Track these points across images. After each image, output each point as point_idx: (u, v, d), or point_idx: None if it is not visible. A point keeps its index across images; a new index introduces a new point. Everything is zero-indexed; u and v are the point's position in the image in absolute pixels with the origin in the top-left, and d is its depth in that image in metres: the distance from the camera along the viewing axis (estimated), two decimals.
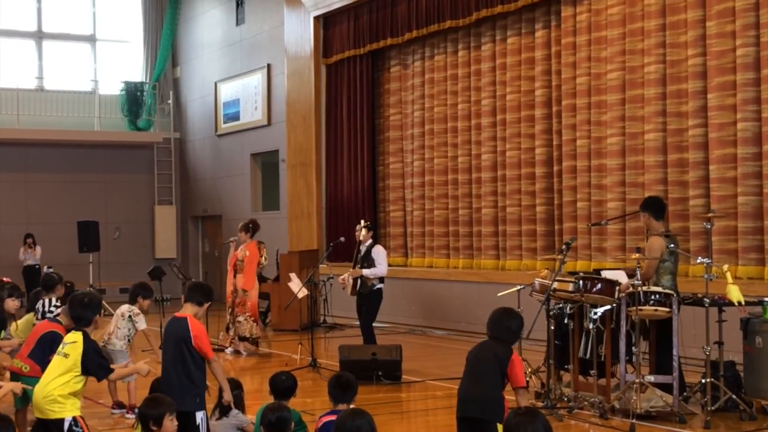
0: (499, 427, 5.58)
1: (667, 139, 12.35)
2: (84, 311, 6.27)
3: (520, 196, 14.68)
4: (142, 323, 9.11)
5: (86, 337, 6.16)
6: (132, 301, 9.18)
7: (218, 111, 22.68)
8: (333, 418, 5.80)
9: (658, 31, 12.41)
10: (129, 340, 9.18)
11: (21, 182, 22.54)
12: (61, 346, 6.21)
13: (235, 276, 13.25)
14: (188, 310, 6.37)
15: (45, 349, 7.26)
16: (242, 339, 13.20)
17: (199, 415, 6.24)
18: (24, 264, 20.31)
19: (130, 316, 9.10)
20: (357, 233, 12.00)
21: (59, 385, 6.02)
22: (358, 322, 12.23)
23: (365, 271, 11.60)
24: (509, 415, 4.14)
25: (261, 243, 13.89)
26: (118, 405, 9.15)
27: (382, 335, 13.33)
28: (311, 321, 13.50)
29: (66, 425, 5.99)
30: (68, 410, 6.02)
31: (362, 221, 12.29)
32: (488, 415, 5.71)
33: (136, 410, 8.68)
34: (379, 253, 11.77)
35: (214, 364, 6.39)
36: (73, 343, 6.11)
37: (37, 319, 9.35)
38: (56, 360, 6.17)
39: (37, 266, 20.05)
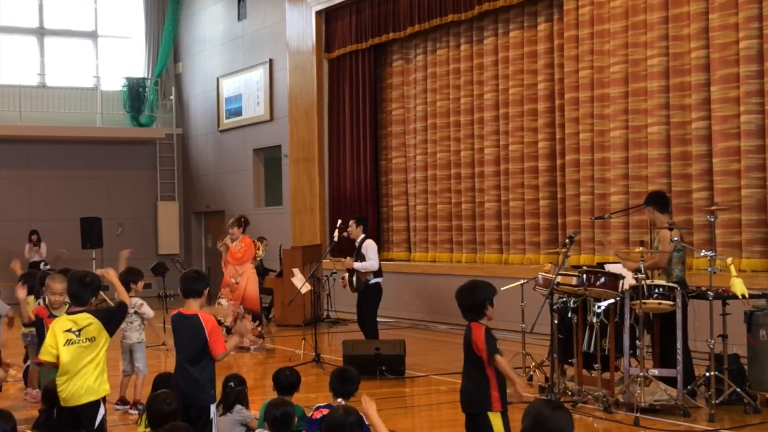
0: (491, 416, 5.54)
1: (670, 132, 12.32)
2: (83, 290, 6.11)
3: (523, 189, 14.67)
4: (148, 312, 9.10)
5: (94, 312, 6.08)
6: (127, 290, 9.11)
7: (220, 106, 22.67)
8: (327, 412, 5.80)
9: (661, 23, 12.38)
10: (142, 327, 9.18)
11: (23, 179, 22.55)
12: (75, 336, 5.99)
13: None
14: (194, 306, 6.33)
15: None
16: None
17: (212, 408, 6.24)
18: (29, 261, 20.33)
19: (135, 311, 9.09)
20: (349, 230, 11.91)
21: (91, 372, 6.00)
22: None
23: (356, 265, 11.55)
24: (539, 406, 4.03)
25: (263, 239, 13.95)
26: (123, 401, 9.14)
27: (385, 330, 13.32)
28: (314, 316, 13.50)
29: (99, 414, 5.98)
30: (101, 391, 6.05)
31: (340, 221, 12.29)
32: (475, 408, 5.66)
33: (139, 406, 8.71)
34: (368, 247, 11.66)
35: (219, 359, 6.36)
36: (88, 325, 5.99)
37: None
38: (78, 350, 6.00)
39: (42, 263, 20.07)
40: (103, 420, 6.07)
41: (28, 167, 22.59)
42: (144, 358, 9.17)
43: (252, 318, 13.28)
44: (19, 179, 22.48)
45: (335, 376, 6.37)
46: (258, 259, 13.71)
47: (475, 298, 5.69)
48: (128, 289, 9.07)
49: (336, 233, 12.09)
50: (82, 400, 6.01)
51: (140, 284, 9.13)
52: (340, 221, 12.40)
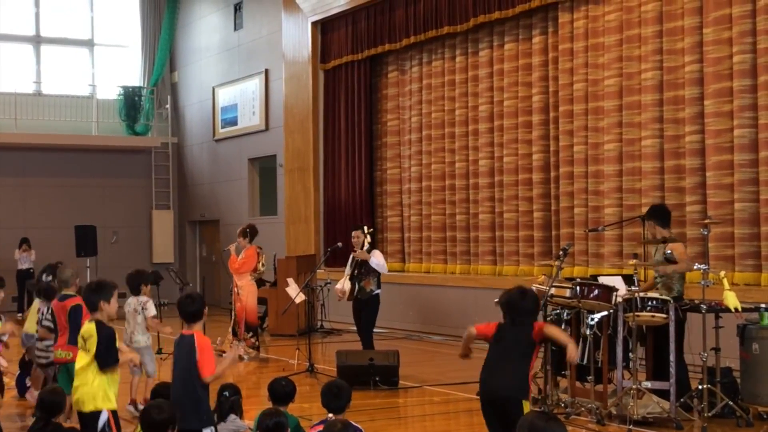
0: (526, 404, 5.65)
1: (664, 146, 12.38)
2: (91, 295, 6.30)
3: (518, 201, 14.71)
4: (151, 309, 9.13)
5: (99, 327, 6.18)
6: (136, 292, 9.13)
7: (216, 116, 22.70)
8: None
9: (655, 37, 12.45)
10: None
11: (18, 186, 22.54)
12: (81, 342, 6.25)
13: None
14: (196, 327, 6.32)
15: (79, 327, 6.98)
16: (233, 333, 13.36)
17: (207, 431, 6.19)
18: (18, 269, 20.32)
19: (142, 308, 9.10)
20: (354, 240, 11.88)
21: (91, 378, 6.10)
22: (355, 328, 12.21)
23: (373, 260, 11.52)
24: (533, 418, 4.03)
25: (260, 249, 13.98)
26: (134, 404, 9.08)
27: (379, 340, 13.33)
28: (308, 326, 13.51)
29: (101, 420, 6.04)
30: (102, 402, 6.09)
31: (365, 227, 12.13)
32: (514, 393, 5.67)
33: (134, 406, 8.74)
34: (376, 253, 11.76)
35: (208, 381, 6.17)
36: (90, 337, 6.16)
37: (39, 322, 9.39)
38: (80, 355, 6.26)
39: (31, 270, 20.11)
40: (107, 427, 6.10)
41: (24, 175, 22.60)
42: (153, 360, 9.25)
43: (246, 329, 13.31)
44: (14, 187, 22.47)
45: (325, 391, 6.33)
46: (258, 273, 13.72)
47: (532, 300, 5.86)
48: (139, 292, 9.12)
49: (363, 232, 11.91)
50: (83, 406, 6.11)
51: (149, 286, 9.23)
52: (366, 227, 12.20)
